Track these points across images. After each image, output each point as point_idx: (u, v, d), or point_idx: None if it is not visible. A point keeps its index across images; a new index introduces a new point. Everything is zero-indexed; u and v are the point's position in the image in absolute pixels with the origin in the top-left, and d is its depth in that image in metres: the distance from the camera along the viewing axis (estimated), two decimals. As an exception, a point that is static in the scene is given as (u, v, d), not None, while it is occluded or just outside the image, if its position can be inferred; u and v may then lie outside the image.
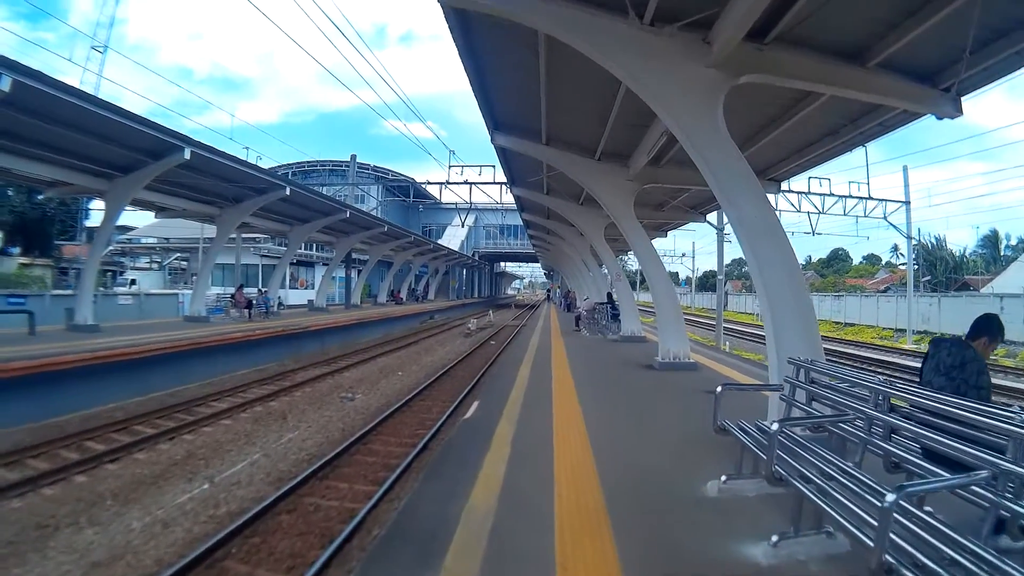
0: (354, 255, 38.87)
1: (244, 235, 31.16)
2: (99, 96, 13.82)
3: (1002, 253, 61.01)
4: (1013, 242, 63.86)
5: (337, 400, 13.22)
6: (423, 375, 16.61)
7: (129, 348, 12.44)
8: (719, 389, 4.93)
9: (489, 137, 12.33)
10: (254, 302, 23.51)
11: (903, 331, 35.85)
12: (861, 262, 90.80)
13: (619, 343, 17.43)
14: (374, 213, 36.62)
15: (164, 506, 7.10)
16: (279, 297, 35.57)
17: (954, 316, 33.78)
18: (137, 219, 44.73)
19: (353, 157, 45.75)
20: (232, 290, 25.12)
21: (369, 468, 8.49)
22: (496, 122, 11.94)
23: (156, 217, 21.78)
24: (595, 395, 8.85)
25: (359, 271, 39.84)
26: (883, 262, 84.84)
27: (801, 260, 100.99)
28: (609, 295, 21.88)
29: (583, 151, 12.38)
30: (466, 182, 26.76)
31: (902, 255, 77.36)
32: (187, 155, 14.47)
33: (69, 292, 20.14)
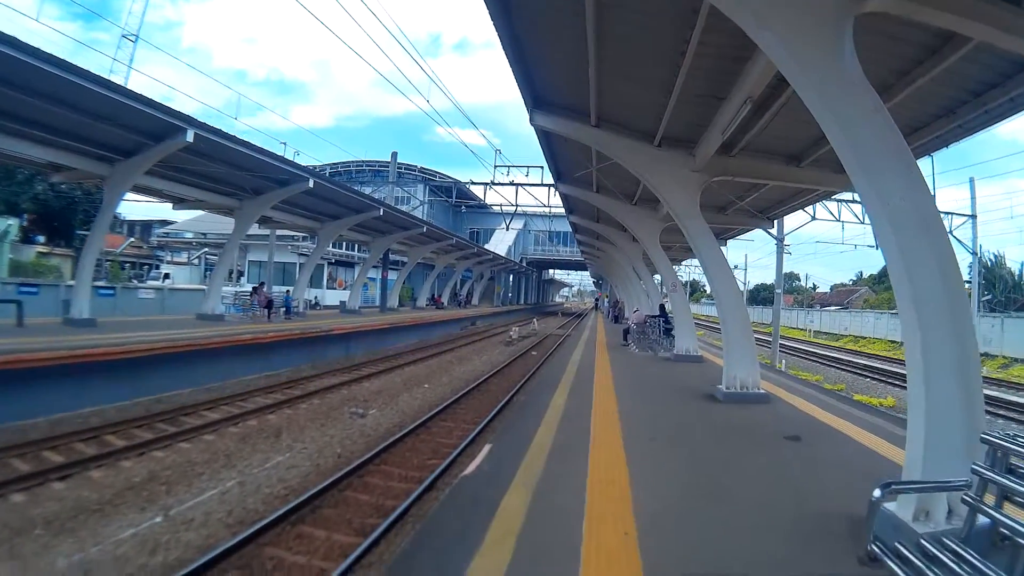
0: (395, 257, 37.75)
1: (280, 232, 30.29)
2: (129, 88, 12.94)
3: None
4: None
5: (346, 416, 11.66)
6: (451, 389, 14.96)
7: (115, 348, 11.21)
8: (876, 493, 2.93)
9: (528, 117, 10.43)
10: (274, 301, 22.33)
11: None
12: None
13: (673, 363, 15.15)
14: (417, 214, 35.46)
15: (100, 541, 5.80)
16: (315, 297, 34.91)
17: (1018, 337, 31.68)
18: (180, 214, 44.73)
19: (394, 155, 44.43)
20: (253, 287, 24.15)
21: (358, 511, 6.87)
22: (536, 97, 10.04)
23: (174, 208, 20.77)
24: (647, 442, 6.68)
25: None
26: None
27: (852, 275, 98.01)
28: (662, 307, 19.81)
29: (640, 135, 10.34)
30: (512, 183, 25.21)
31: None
32: (190, 137, 13.41)
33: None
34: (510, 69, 8.71)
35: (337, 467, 8.29)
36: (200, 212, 29.21)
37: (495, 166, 25.36)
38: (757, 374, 9.93)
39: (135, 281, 39.23)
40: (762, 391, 9.82)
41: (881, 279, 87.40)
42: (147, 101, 12.12)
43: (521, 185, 25.15)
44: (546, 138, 12.19)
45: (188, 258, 46.61)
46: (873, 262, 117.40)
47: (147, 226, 55.70)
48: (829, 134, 4.25)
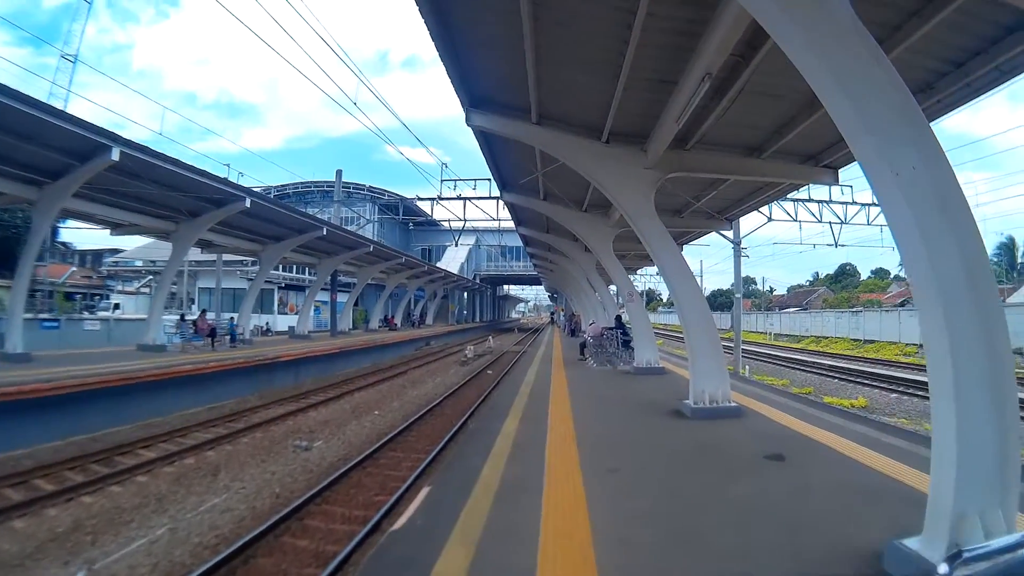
0: (347, 279, 36.51)
1: (228, 257, 28.91)
2: (51, 104, 12.16)
3: (1019, 260, 57.99)
4: None
5: (289, 450, 10.77)
6: (402, 415, 13.98)
7: (44, 384, 10.54)
8: (943, 570, 2.03)
9: (465, 118, 9.51)
10: (217, 330, 21.03)
11: None
12: (869, 277, 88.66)
13: (633, 377, 14.19)
14: (367, 233, 34.33)
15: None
16: (267, 323, 33.35)
17: None
18: (128, 242, 43.12)
19: (339, 173, 42.88)
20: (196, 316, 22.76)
21: (295, 559, 6.08)
22: (472, 95, 9.13)
23: (112, 234, 19.74)
24: (610, 473, 5.72)
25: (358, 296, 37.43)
26: (891, 276, 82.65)
27: (809, 276, 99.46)
28: (618, 318, 18.68)
29: (586, 131, 9.49)
30: (459, 197, 24.32)
31: None
32: (115, 155, 12.65)
33: (29, 316, 19.21)
34: (443, 64, 7.81)
35: (274, 509, 7.50)
36: (150, 240, 28.28)
37: (442, 180, 24.40)
38: (727, 386, 9.03)
39: (86, 312, 37.52)
40: (733, 404, 8.94)
41: (838, 278, 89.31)
42: (69, 117, 11.60)
43: (469, 199, 24.25)
44: (487, 142, 11.33)
45: (137, 287, 44.59)
46: (830, 262, 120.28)
47: (98, 255, 54.25)
48: (820, 90, 3.42)
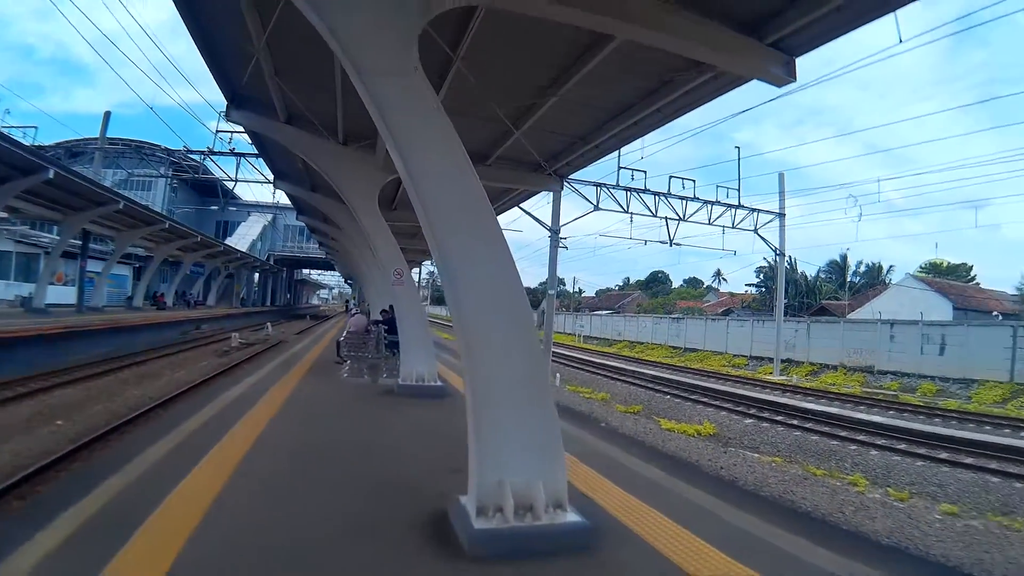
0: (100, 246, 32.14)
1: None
2: None
3: (848, 279, 58.12)
4: (862, 268, 60.89)
5: None
6: (88, 427, 9.94)
7: None
8: None
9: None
10: None
11: (760, 359, 32.89)
12: (681, 285, 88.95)
13: (395, 401, 9.84)
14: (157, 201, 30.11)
15: None
16: (29, 294, 27.79)
17: (826, 344, 30.76)
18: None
19: (106, 116, 35.60)
20: None
21: None
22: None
23: None
24: None
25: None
26: (704, 286, 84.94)
27: (619, 280, 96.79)
28: (388, 310, 13.66)
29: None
30: (232, 152, 20.65)
31: (725, 280, 78.47)
32: None
33: None
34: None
35: None
36: None
37: (217, 131, 19.48)
38: (563, 484, 4.35)
39: None
40: (577, 520, 4.18)
41: (649, 284, 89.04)
42: None
43: (244, 156, 20.82)
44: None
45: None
46: (640, 268, 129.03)
47: None
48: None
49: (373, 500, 4.88)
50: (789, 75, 5.94)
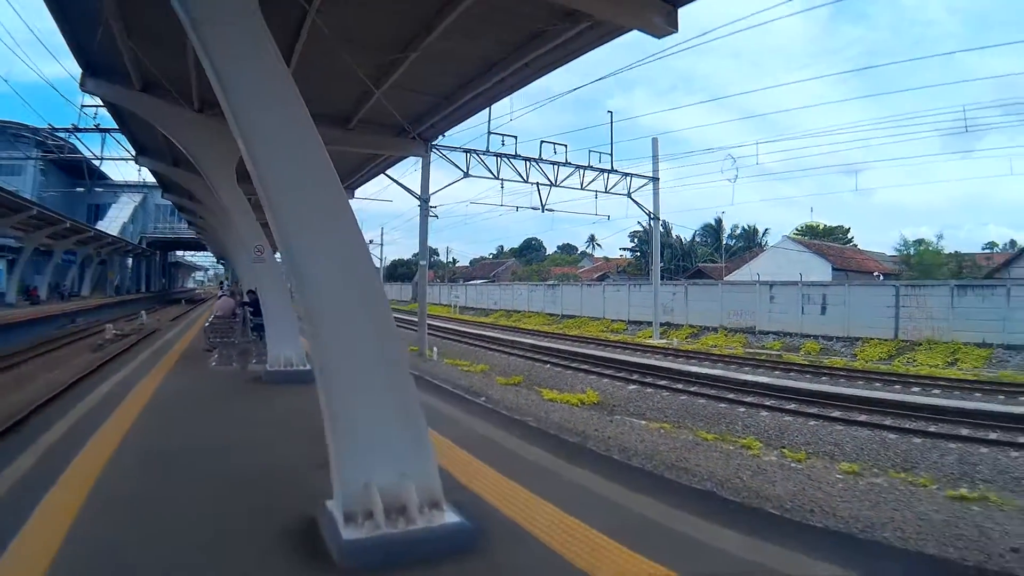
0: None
1: None
2: None
3: (724, 242, 58.73)
4: (739, 232, 62.35)
5: None
6: None
7: None
8: None
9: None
10: None
11: (638, 323, 32.82)
12: (556, 252, 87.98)
13: (262, 389, 9.53)
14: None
15: None
16: None
17: (705, 306, 31.13)
18: None
19: None
20: None
21: None
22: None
23: None
24: None
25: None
26: (579, 252, 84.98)
27: (492, 248, 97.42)
28: (253, 291, 12.67)
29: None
30: (97, 128, 20.00)
31: (599, 245, 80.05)
32: None
33: None
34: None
35: None
36: None
37: (82, 106, 19.08)
38: (436, 480, 4.03)
39: None
40: (456, 520, 3.85)
41: (523, 252, 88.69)
42: None
43: (109, 131, 19.78)
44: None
45: None
46: (514, 235, 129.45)
47: None
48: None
49: (239, 508, 4.48)
50: (671, 25, 5.69)
